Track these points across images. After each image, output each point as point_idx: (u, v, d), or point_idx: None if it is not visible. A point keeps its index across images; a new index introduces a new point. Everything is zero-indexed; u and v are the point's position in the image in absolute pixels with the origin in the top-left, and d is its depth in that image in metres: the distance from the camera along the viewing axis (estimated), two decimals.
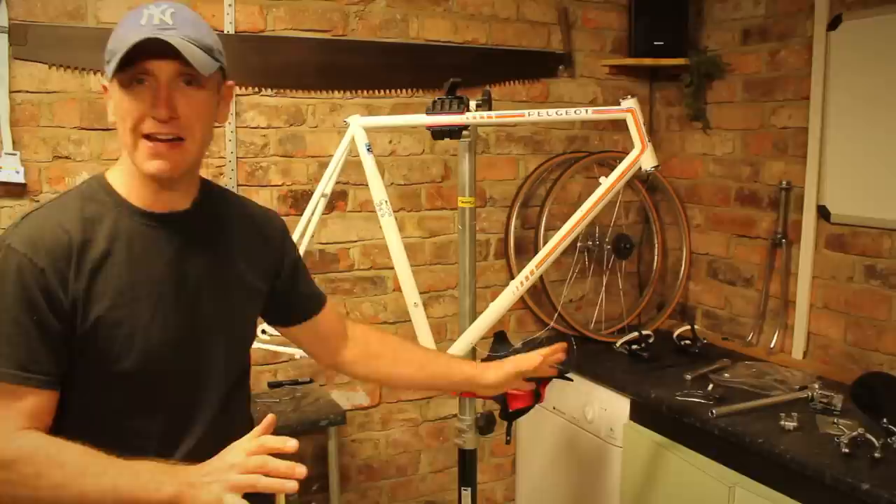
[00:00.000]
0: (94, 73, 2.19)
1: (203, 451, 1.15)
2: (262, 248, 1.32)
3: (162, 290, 1.15)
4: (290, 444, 1.02)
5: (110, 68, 1.07)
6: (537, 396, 1.90)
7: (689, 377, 2.36)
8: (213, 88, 1.15)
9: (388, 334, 1.62)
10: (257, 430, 1.06)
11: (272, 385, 2.47)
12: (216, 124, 1.21)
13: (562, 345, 1.61)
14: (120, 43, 1.06)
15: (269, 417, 1.08)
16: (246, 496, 1.01)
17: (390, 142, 2.62)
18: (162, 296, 1.15)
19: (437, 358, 1.62)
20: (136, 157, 1.11)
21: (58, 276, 1.07)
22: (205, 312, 1.19)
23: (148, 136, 1.09)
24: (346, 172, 2.27)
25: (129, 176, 1.16)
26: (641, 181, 2.96)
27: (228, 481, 0.99)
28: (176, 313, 1.16)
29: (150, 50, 1.05)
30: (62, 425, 1.11)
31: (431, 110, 1.88)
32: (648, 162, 1.81)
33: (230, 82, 1.21)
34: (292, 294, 1.39)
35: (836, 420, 1.99)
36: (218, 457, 1.05)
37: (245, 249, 1.28)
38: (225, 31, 2.29)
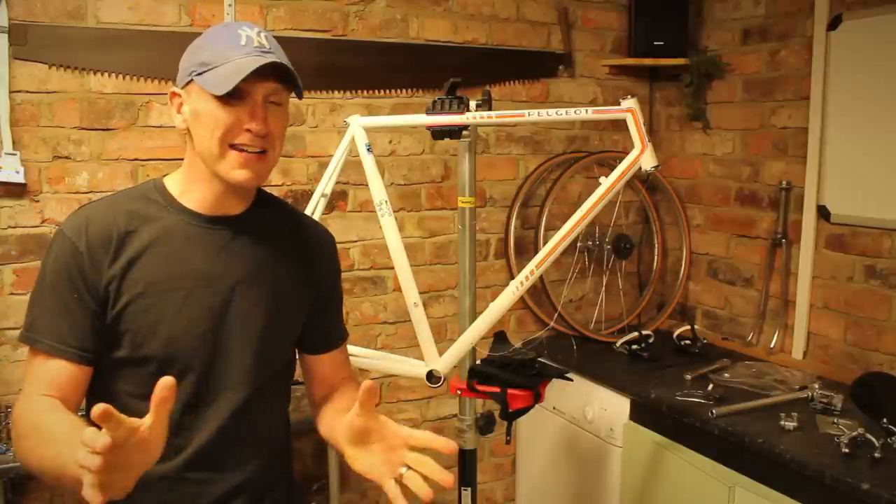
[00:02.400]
0: (94, 73, 2.19)
1: (216, 448, 1.18)
2: (307, 263, 1.33)
3: (195, 285, 1.19)
4: None
5: (212, 81, 1.12)
6: (537, 396, 1.91)
7: (689, 377, 2.36)
8: (287, 104, 1.24)
9: (351, 390, 1.37)
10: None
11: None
12: None
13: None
14: (222, 59, 1.13)
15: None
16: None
17: (390, 142, 2.62)
18: (194, 291, 1.19)
19: (337, 423, 1.24)
20: (222, 166, 1.16)
21: (93, 260, 1.15)
22: (235, 314, 1.22)
23: (235, 147, 1.16)
24: (346, 172, 2.27)
25: (189, 180, 1.22)
26: (641, 181, 2.96)
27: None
28: (205, 309, 1.19)
29: (259, 71, 1.12)
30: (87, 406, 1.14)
31: (431, 110, 1.88)
32: (648, 162, 1.81)
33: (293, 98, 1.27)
34: (314, 321, 1.37)
35: (836, 420, 1.99)
36: None
37: (290, 261, 1.30)
38: None
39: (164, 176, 1.27)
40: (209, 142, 1.15)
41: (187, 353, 1.18)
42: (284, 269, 1.29)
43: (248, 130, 1.15)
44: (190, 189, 1.22)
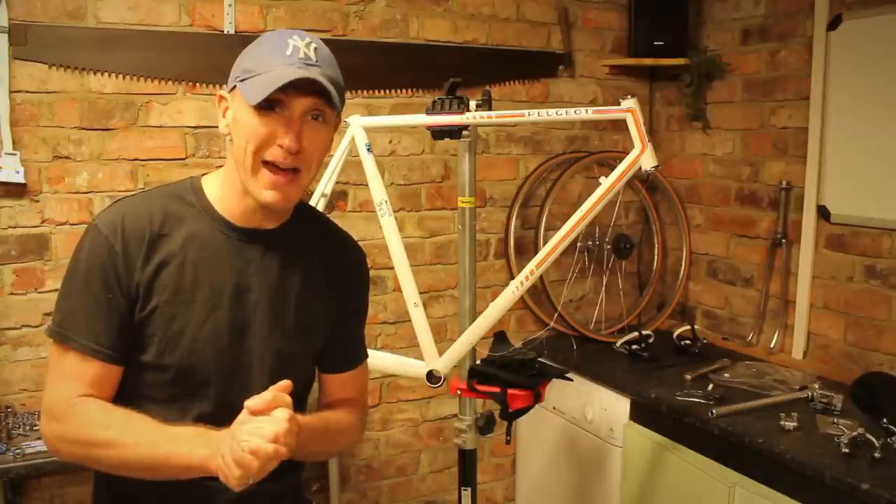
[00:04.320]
0: (94, 73, 2.19)
1: None
2: (335, 282, 1.31)
3: (221, 297, 1.18)
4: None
5: (250, 89, 1.10)
6: (537, 396, 1.91)
7: (689, 377, 2.36)
8: (333, 123, 1.20)
9: (341, 414, 1.36)
10: (276, 394, 1.08)
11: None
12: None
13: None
14: (264, 67, 1.10)
15: (285, 383, 1.11)
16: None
17: (390, 142, 2.62)
18: (219, 303, 1.18)
19: None
20: (253, 184, 1.14)
21: (127, 260, 1.14)
22: (258, 331, 1.21)
23: (267, 163, 1.13)
24: (346, 172, 2.27)
25: (226, 188, 1.21)
26: (641, 181, 2.96)
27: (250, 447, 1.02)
28: (228, 324, 1.19)
29: (297, 84, 1.09)
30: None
31: (431, 110, 1.88)
32: (648, 162, 1.81)
33: (339, 114, 1.23)
34: (334, 339, 1.34)
35: (836, 420, 1.99)
36: (239, 427, 1.06)
37: (318, 279, 1.29)
38: (225, 31, 2.30)
39: (204, 175, 1.25)
40: (243, 154, 1.13)
41: (207, 367, 1.18)
42: (312, 289, 1.27)
43: (281, 146, 1.12)
44: (227, 197, 1.20)
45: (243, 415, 1.07)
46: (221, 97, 1.19)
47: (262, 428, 1.03)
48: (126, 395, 1.18)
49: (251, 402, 1.07)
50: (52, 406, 1.14)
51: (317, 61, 1.13)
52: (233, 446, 1.02)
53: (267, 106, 1.10)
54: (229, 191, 1.20)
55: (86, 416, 1.12)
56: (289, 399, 1.10)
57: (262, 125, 1.11)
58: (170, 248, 1.16)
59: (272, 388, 1.10)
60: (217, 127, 1.27)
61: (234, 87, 1.15)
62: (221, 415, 1.17)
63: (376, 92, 2.58)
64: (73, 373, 1.14)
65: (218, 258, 1.19)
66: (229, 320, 1.19)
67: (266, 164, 1.13)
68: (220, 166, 1.27)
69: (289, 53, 1.11)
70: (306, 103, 1.12)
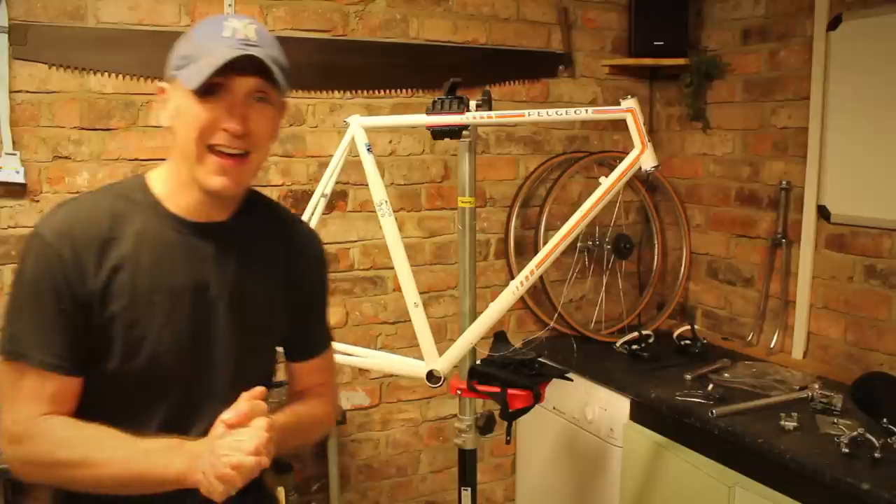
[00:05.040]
0: (94, 73, 2.19)
1: None
2: (293, 270, 1.29)
3: (180, 298, 1.14)
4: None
5: (188, 75, 1.06)
6: (537, 396, 1.90)
7: (689, 377, 2.36)
8: (279, 106, 1.16)
9: (321, 404, 1.38)
10: (249, 402, 1.09)
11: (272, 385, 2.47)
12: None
13: None
14: (201, 51, 1.06)
15: (258, 390, 1.11)
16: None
17: (390, 142, 2.62)
18: (178, 304, 1.14)
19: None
20: (199, 171, 1.10)
21: (79, 268, 1.08)
22: (219, 325, 1.18)
23: (213, 149, 1.09)
24: (346, 172, 2.27)
25: (173, 181, 1.16)
26: (641, 181, 2.96)
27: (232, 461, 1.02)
28: (189, 323, 1.15)
29: (237, 65, 1.05)
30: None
31: (431, 110, 1.88)
32: (648, 162, 1.81)
33: (286, 99, 1.20)
34: (297, 326, 1.33)
35: (836, 420, 1.99)
36: (216, 438, 1.06)
37: (276, 268, 1.26)
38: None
39: (149, 172, 1.20)
40: (186, 142, 1.09)
41: (171, 370, 1.14)
42: (270, 279, 1.25)
43: (226, 130, 1.08)
44: (174, 191, 1.16)
45: (220, 428, 1.06)
46: (161, 90, 1.14)
47: (241, 441, 1.03)
48: (89, 406, 1.13)
49: (227, 416, 1.06)
50: (12, 429, 1.08)
51: (257, 41, 1.08)
52: (214, 462, 1.01)
53: (208, 91, 1.06)
54: (176, 185, 1.15)
55: (52, 435, 1.07)
56: (264, 406, 1.09)
57: (205, 111, 1.07)
58: (121, 251, 1.10)
59: (246, 396, 1.09)
60: None
61: (174, 76, 1.10)
62: (187, 416, 1.17)
63: (376, 92, 2.58)
64: (31, 391, 1.08)
65: (172, 258, 1.14)
66: (190, 321, 1.15)
67: (212, 150, 1.09)
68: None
69: (227, 35, 1.07)
70: (249, 84, 1.08)
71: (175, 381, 1.16)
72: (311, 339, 1.37)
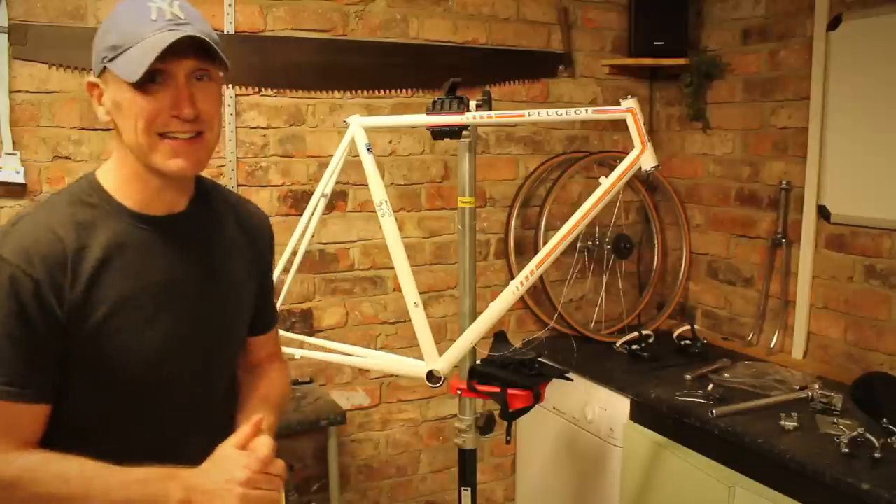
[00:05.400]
0: None
1: (208, 454, 1.13)
2: (252, 249, 1.30)
3: (160, 297, 1.12)
4: (278, 465, 1.09)
5: (125, 67, 1.01)
6: (537, 396, 1.90)
7: (689, 377, 2.36)
8: (219, 81, 1.13)
9: (275, 373, 1.42)
10: (246, 432, 1.10)
11: None
12: None
13: None
14: (132, 38, 1.01)
15: (257, 418, 1.12)
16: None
17: (390, 142, 2.62)
18: (160, 303, 1.12)
19: (244, 407, 1.33)
20: (155, 158, 1.07)
21: (53, 286, 1.03)
22: (202, 315, 1.18)
23: (164, 136, 1.06)
24: (346, 172, 2.27)
25: (124, 177, 1.13)
26: (641, 181, 2.96)
27: (239, 494, 1.02)
28: (174, 320, 1.14)
29: (174, 48, 1.00)
30: (58, 436, 1.08)
31: (431, 110, 1.87)
32: (648, 162, 1.80)
33: (222, 73, 1.15)
34: (258, 305, 1.34)
35: (836, 420, 1.99)
36: (217, 464, 1.07)
37: (240, 249, 1.27)
38: (225, 31, 2.29)
39: (96, 170, 1.16)
40: (136, 135, 1.05)
41: (165, 370, 1.13)
42: (236, 263, 1.26)
43: (177, 116, 1.04)
44: (126, 185, 1.12)
45: (222, 451, 1.08)
46: (92, 84, 1.09)
47: (258, 481, 1.05)
48: (82, 424, 1.10)
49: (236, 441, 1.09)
50: None
51: (186, 19, 1.04)
52: (226, 498, 1.02)
53: (148, 79, 1.01)
54: (128, 180, 1.12)
55: (32, 472, 1.01)
56: (268, 440, 1.12)
57: (149, 101, 1.03)
58: (93, 259, 1.06)
59: (247, 427, 1.11)
60: None
61: (104, 69, 1.05)
62: (190, 413, 1.17)
63: (376, 92, 2.58)
64: (3, 425, 1.02)
65: (143, 257, 1.11)
66: (175, 317, 1.13)
67: (164, 136, 1.06)
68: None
69: (154, 18, 1.02)
70: (188, 65, 1.04)
71: (172, 382, 1.15)
72: (267, 313, 1.39)
